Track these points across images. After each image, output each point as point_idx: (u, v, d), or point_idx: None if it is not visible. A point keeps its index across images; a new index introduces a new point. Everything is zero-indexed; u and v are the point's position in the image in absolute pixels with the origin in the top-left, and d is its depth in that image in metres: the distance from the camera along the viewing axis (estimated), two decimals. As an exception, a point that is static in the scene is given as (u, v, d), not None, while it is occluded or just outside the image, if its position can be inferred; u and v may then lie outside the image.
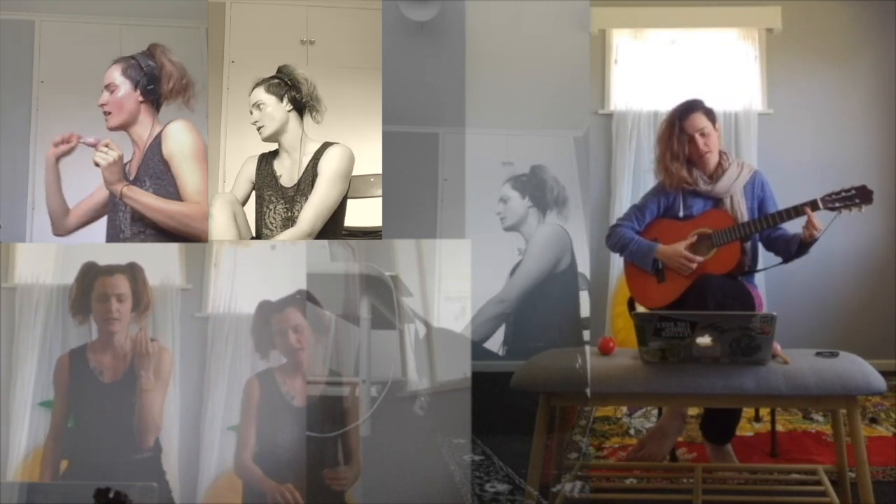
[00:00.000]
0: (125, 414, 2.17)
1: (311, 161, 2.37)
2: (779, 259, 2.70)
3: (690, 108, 2.68)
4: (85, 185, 2.39)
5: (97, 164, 2.24)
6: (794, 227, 2.62)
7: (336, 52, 2.86)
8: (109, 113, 2.29)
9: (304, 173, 2.37)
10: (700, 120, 2.65)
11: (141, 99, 2.30)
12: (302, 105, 2.40)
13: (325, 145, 2.38)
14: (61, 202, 2.36)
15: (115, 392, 2.18)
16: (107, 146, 2.24)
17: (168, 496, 2.19)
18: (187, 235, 2.27)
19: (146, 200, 2.24)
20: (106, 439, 2.16)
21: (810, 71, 4.14)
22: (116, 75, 2.29)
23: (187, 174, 2.26)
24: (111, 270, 2.21)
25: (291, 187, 2.38)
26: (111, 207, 2.35)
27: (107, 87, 2.30)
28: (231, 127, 2.75)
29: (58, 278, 2.32)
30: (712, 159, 2.68)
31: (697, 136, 2.64)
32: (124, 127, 2.31)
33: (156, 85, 2.31)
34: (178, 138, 2.26)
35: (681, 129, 2.65)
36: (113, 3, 2.90)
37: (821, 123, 4.12)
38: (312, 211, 2.33)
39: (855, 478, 2.14)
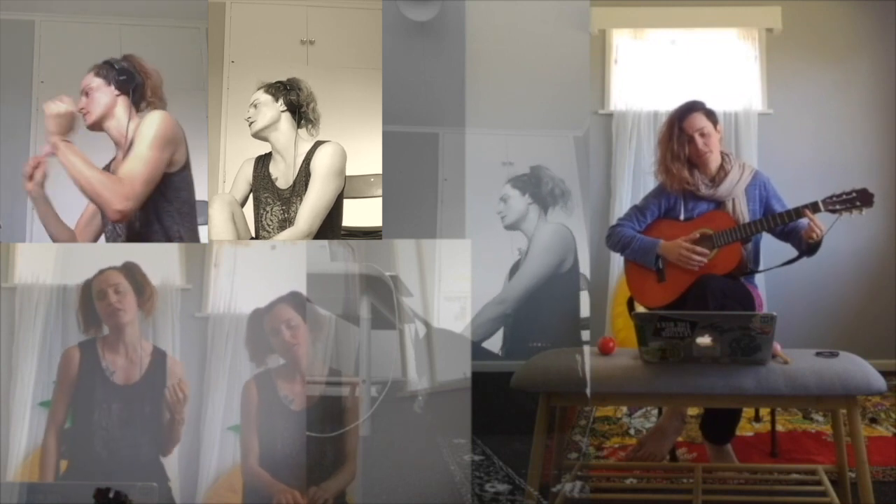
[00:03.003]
0: (136, 418, 2.17)
1: (303, 161, 2.38)
2: (780, 259, 2.70)
3: (690, 108, 2.68)
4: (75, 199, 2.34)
5: (45, 112, 2.18)
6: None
7: (336, 52, 2.87)
8: (87, 112, 2.25)
9: (298, 174, 2.37)
10: (699, 120, 2.65)
11: (117, 92, 2.26)
12: (296, 109, 2.40)
13: (317, 144, 2.39)
14: (63, 228, 2.32)
15: (126, 396, 2.18)
16: (60, 101, 2.19)
17: (168, 496, 2.19)
18: (97, 205, 2.19)
19: (74, 158, 2.15)
20: (113, 439, 2.16)
21: (810, 71, 4.14)
22: (90, 78, 2.27)
23: (133, 155, 2.17)
24: (102, 270, 2.21)
25: (287, 189, 2.39)
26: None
27: (82, 92, 2.26)
28: (231, 127, 2.75)
29: (58, 278, 2.32)
30: (713, 160, 2.67)
31: (697, 135, 2.64)
32: (101, 121, 2.27)
33: (129, 77, 2.26)
34: (148, 124, 2.20)
35: (680, 129, 2.65)
36: (113, 3, 2.90)
37: (821, 123, 4.12)
38: (309, 210, 2.33)
39: (855, 478, 2.14)
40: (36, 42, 2.95)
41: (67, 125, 2.18)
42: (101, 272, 2.21)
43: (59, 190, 2.29)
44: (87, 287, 2.22)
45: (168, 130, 2.20)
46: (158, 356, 2.23)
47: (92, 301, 2.20)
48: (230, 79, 2.82)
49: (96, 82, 2.26)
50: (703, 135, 2.64)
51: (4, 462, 2.23)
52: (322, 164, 2.35)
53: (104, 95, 2.25)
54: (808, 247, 2.56)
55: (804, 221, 2.54)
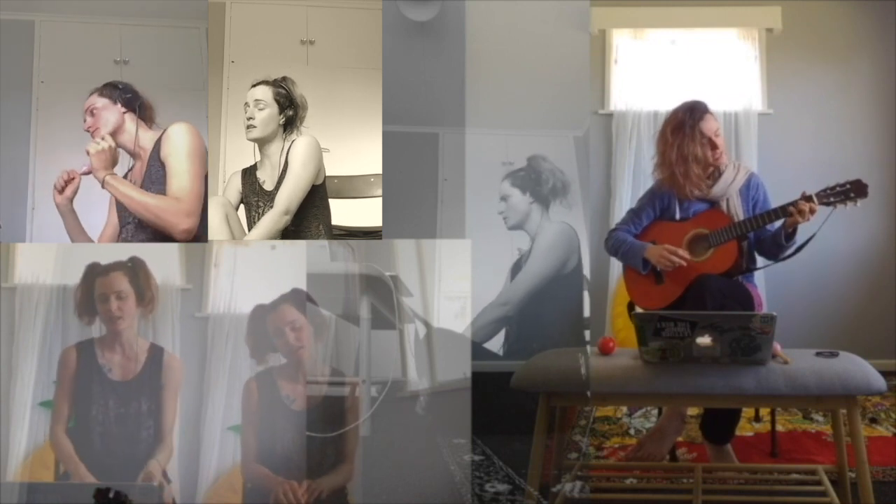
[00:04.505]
0: (134, 415, 2.18)
1: (284, 159, 2.40)
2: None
3: (703, 109, 2.64)
4: (96, 211, 2.41)
5: (87, 153, 2.26)
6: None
7: (336, 52, 2.87)
8: (96, 129, 2.32)
9: (281, 172, 2.40)
10: (714, 122, 2.63)
11: (123, 110, 2.33)
12: (291, 124, 2.44)
13: (293, 141, 2.43)
14: (87, 241, 2.37)
15: (124, 392, 2.19)
16: (102, 137, 2.27)
17: (168, 496, 2.19)
18: (160, 229, 2.25)
19: (126, 190, 2.25)
20: (112, 436, 2.16)
21: (810, 71, 4.14)
22: (94, 98, 2.34)
23: (176, 171, 2.26)
24: (107, 270, 2.21)
25: (273, 189, 2.42)
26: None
27: (87, 111, 2.33)
28: (231, 127, 2.76)
29: (58, 278, 2.32)
30: (722, 162, 2.67)
31: (714, 138, 2.62)
32: (112, 137, 2.32)
33: (133, 95, 2.35)
34: (177, 138, 2.28)
35: (701, 132, 2.62)
36: (113, 3, 2.90)
37: (821, 123, 4.12)
38: (287, 191, 2.38)
39: (855, 478, 2.14)
40: (36, 42, 2.95)
41: (111, 159, 2.28)
42: (107, 273, 2.21)
43: (86, 206, 2.36)
44: (91, 275, 2.21)
45: (197, 141, 2.29)
46: (155, 352, 2.23)
47: (92, 293, 2.21)
48: (230, 79, 2.82)
49: (101, 102, 2.33)
50: (717, 136, 2.63)
51: (4, 462, 2.23)
52: (297, 153, 2.40)
53: (111, 114, 2.33)
54: (787, 236, 2.54)
55: (771, 228, 2.54)
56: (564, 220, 3.23)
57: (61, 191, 2.30)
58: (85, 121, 2.33)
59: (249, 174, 2.48)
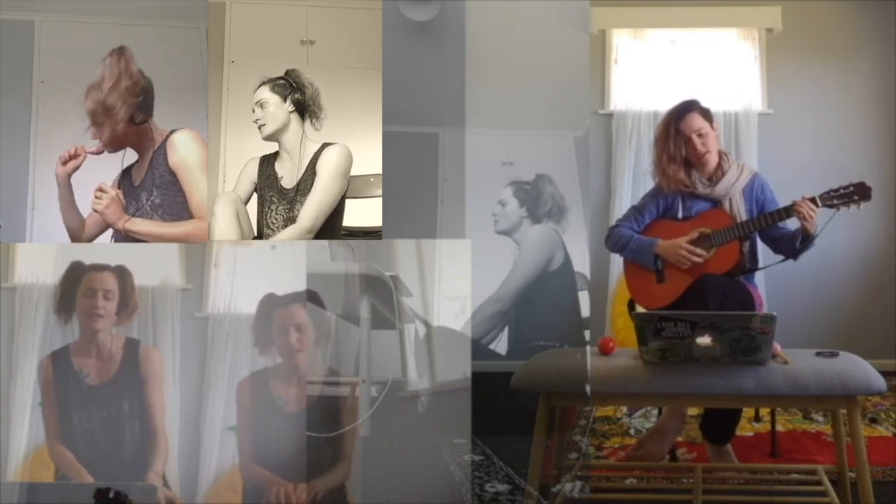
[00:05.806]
0: (118, 417, 2.17)
1: (310, 162, 2.38)
2: (780, 257, 2.69)
3: (686, 108, 2.67)
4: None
5: (95, 210, 2.27)
6: (794, 223, 2.61)
7: (336, 52, 2.86)
8: (98, 149, 2.31)
9: (304, 174, 2.38)
10: (696, 120, 2.64)
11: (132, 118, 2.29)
12: (304, 108, 2.41)
13: (324, 146, 2.40)
14: (78, 217, 2.37)
15: (104, 395, 2.18)
16: (101, 190, 2.27)
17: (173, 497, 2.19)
18: None
19: (148, 229, 2.28)
20: (101, 441, 2.16)
21: (810, 71, 4.14)
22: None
23: (194, 186, 2.31)
24: (100, 267, 2.20)
25: (291, 188, 2.40)
26: None
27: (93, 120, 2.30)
28: (231, 127, 2.75)
29: (58, 278, 2.32)
30: (711, 159, 2.67)
31: (694, 136, 2.63)
32: (120, 147, 2.33)
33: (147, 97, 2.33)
34: (185, 148, 2.30)
35: (677, 130, 2.64)
36: (113, 3, 2.90)
37: (821, 123, 4.12)
38: (313, 207, 2.34)
39: (855, 478, 2.14)
40: (36, 42, 2.95)
41: (120, 207, 2.28)
42: (100, 270, 2.20)
43: (83, 185, 2.34)
44: (77, 272, 2.20)
45: (204, 150, 2.32)
46: (131, 346, 2.21)
47: (76, 288, 2.19)
48: (230, 79, 2.81)
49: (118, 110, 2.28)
50: (700, 135, 2.64)
51: (4, 462, 2.23)
52: (328, 165, 2.37)
53: (121, 126, 2.29)
54: (802, 240, 2.54)
55: (791, 228, 2.54)
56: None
57: (64, 163, 2.30)
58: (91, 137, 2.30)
59: (267, 165, 2.45)
